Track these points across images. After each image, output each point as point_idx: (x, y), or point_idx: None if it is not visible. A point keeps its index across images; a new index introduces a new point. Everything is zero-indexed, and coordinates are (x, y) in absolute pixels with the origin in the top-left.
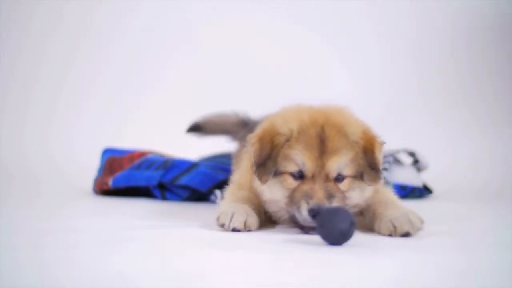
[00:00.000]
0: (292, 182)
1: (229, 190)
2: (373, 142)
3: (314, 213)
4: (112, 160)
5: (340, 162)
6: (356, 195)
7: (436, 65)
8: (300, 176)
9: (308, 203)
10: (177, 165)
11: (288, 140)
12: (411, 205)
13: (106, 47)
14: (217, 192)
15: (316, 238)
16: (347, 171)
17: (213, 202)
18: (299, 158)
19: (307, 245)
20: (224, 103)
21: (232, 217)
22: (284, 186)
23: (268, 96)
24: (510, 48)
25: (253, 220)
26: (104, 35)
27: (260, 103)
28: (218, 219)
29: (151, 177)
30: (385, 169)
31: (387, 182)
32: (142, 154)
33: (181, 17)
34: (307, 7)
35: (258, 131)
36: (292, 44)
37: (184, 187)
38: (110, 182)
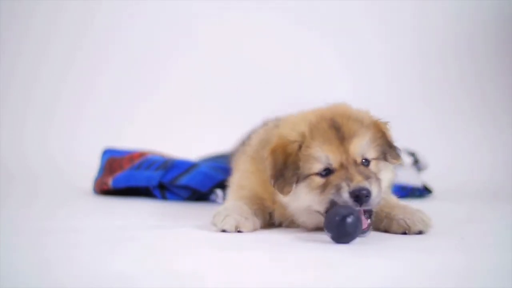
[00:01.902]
0: (320, 180)
1: (230, 191)
2: (381, 124)
3: (357, 193)
4: (112, 160)
5: (363, 143)
6: (385, 176)
7: (437, 65)
8: (327, 173)
9: (348, 185)
10: (177, 165)
11: (302, 144)
12: (412, 205)
13: (106, 47)
14: (218, 191)
15: (316, 238)
16: (371, 153)
17: (214, 201)
18: (321, 154)
19: (307, 245)
20: (225, 103)
21: (224, 219)
22: (313, 188)
23: (269, 96)
24: None
25: (248, 222)
26: (104, 35)
27: (261, 104)
28: (213, 217)
29: (151, 177)
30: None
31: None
32: (142, 154)
33: (181, 17)
34: (308, 7)
35: (270, 145)
36: (294, 44)
37: (184, 187)
38: (110, 182)
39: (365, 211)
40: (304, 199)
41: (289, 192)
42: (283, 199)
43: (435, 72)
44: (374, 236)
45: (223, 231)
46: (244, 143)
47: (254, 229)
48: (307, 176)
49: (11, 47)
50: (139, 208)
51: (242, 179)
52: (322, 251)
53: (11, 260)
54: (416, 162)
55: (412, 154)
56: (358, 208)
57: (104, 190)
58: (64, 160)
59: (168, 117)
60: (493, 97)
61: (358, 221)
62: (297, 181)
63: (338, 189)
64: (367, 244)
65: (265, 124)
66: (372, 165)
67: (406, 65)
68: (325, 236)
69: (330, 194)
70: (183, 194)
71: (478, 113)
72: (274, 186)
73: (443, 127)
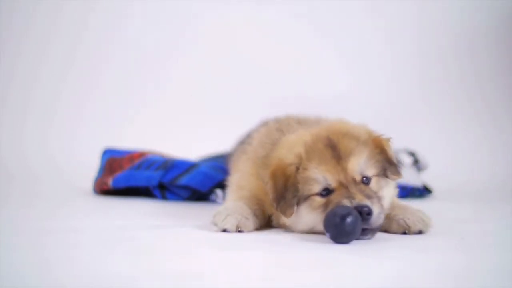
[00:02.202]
0: (320, 200)
1: (230, 191)
2: (381, 139)
3: (360, 210)
4: (112, 160)
5: (360, 161)
6: (387, 193)
7: (437, 65)
8: (327, 193)
9: (351, 202)
10: (177, 165)
11: (299, 166)
12: (412, 206)
13: (106, 47)
14: (218, 191)
15: (316, 238)
16: (370, 171)
17: (214, 201)
18: (318, 175)
19: (307, 245)
20: (225, 103)
21: (225, 218)
22: (314, 208)
23: (268, 95)
24: None
25: (248, 222)
26: (104, 35)
27: (261, 103)
28: (213, 217)
29: (151, 177)
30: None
31: None
32: (141, 154)
33: (181, 17)
34: (308, 6)
35: (270, 169)
36: (294, 44)
37: (184, 187)
38: (110, 182)
39: (364, 230)
40: (306, 220)
41: (291, 214)
42: (286, 221)
43: (435, 72)
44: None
45: (224, 230)
46: (243, 142)
47: (255, 229)
48: (308, 197)
49: (11, 47)
50: (139, 208)
51: (242, 180)
52: (322, 251)
53: (11, 260)
54: (416, 162)
55: (412, 154)
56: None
57: (104, 190)
58: (64, 160)
59: (168, 117)
60: (493, 97)
61: (357, 220)
62: (298, 203)
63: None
64: (367, 244)
65: (264, 124)
66: (373, 183)
67: (406, 65)
68: (325, 237)
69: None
70: (183, 194)
71: (478, 113)
72: (277, 209)
73: (443, 127)
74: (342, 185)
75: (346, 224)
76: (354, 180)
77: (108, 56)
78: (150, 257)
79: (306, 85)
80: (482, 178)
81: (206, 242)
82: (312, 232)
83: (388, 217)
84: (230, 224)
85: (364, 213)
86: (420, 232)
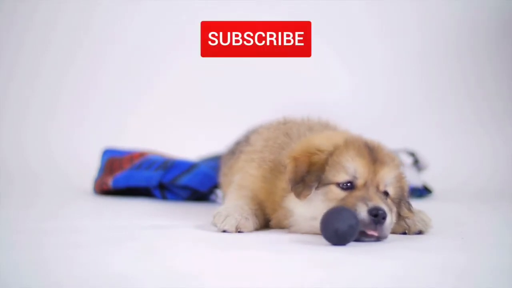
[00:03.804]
0: (338, 193)
1: (230, 191)
2: (404, 178)
3: (376, 212)
4: (112, 160)
5: (390, 175)
6: (392, 219)
7: (437, 66)
8: (348, 187)
9: (367, 204)
10: (177, 165)
11: (333, 153)
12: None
13: (106, 47)
14: (218, 191)
15: (316, 238)
16: (391, 190)
17: (214, 201)
18: (351, 164)
19: (307, 245)
20: (225, 103)
21: (225, 219)
22: (328, 198)
23: (269, 96)
24: None
25: (248, 223)
26: (104, 35)
27: (261, 103)
28: (213, 218)
29: (151, 177)
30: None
31: None
32: (141, 154)
33: (181, 16)
34: (309, 7)
35: (293, 151)
36: None
37: (184, 187)
38: (110, 182)
39: (368, 235)
40: (316, 208)
41: (306, 196)
42: (290, 203)
43: (435, 73)
44: None
45: (224, 231)
46: (239, 142)
47: (254, 229)
48: (328, 184)
49: (11, 47)
50: (139, 208)
51: (243, 180)
52: (322, 251)
53: (11, 260)
54: (416, 162)
55: (412, 154)
56: (371, 232)
57: (104, 190)
58: (64, 160)
59: (168, 117)
60: (494, 97)
61: (355, 226)
62: (317, 187)
63: (355, 209)
64: (367, 244)
65: (263, 126)
66: (388, 202)
67: (406, 65)
68: None
69: None
70: (183, 194)
71: (478, 113)
72: (292, 190)
73: (443, 127)
74: (365, 185)
75: (343, 239)
76: (377, 187)
77: (107, 56)
78: (150, 257)
79: (306, 86)
80: (482, 178)
81: (206, 242)
82: (312, 228)
83: None
84: (229, 225)
85: (380, 216)
86: (420, 232)
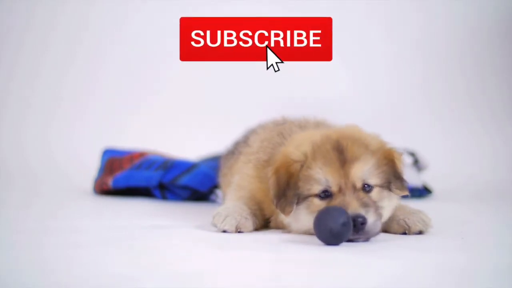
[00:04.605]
0: (319, 204)
1: (229, 191)
2: (392, 151)
3: (354, 219)
4: (112, 160)
5: (364, 169)
6: (388, 203)
7: (437, 65)
8: (326, 195)
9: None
10: (177, 165)
11: (303, 164)
12: (412, 206)
13: (106, 47)
14: (218, 191)
15: (315, 238)
16: (374, 180)
17: (214, 201)
18: (320, 175)
19: (307, 245)
20: (224, 102)
21: (224, 219)
22: (312, 210)
23: (269, 95)
24: None
25: (248, 223)
26: (104, 35)
27: (261, 102)
28: (213, 218)
29: (151, 177)
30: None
31: None
32: (141, 154)
33: (181, 16)
34: (309, 7)
35: (274, 164)
36: None
37: (184, 187)
38: (110, 182)
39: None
40: (304, 222)
41: (290, 212)
42: (285, 220)
43: (435, 72)
44: None
45: (224, 231)
46: (238, 143)
47: (254, 229)
48: (307, 197)
49: (11, 47)
50: (139, 208)
51: (242, 180)
52: (322, 251)
53: (11, 260)
54: (416, 162)
55: (412, 154)
56: (356, 236)
57: (104, 190)
58: (64, 160)
59: (168, 117)
60: (494, 97)
61: (347, 223)
62: (298, 202)
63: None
64: (367, 244)
65: (262, 126)
66: (375, 192)
67: (406, 65)
68: None
69: None
70: (183, 194)
71: (479, 113)
72: (276, 207)
73: (444, 127)
74: (341, 190)
75: (338, 239)
76: (354, 187)
77: (107, 56)
78: (150, 257)
79: (306, 86)
80: (482, 178)
81: (206, 242)
82: (309, 233)
83: (389, 218)
84: (229, 225)
85: (358, 223)
86: (420, 232)
